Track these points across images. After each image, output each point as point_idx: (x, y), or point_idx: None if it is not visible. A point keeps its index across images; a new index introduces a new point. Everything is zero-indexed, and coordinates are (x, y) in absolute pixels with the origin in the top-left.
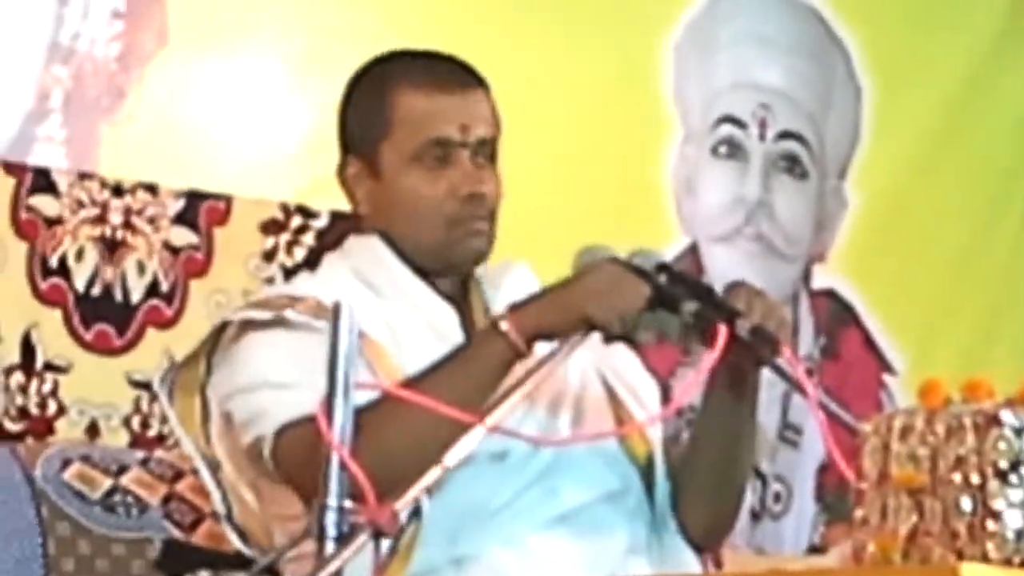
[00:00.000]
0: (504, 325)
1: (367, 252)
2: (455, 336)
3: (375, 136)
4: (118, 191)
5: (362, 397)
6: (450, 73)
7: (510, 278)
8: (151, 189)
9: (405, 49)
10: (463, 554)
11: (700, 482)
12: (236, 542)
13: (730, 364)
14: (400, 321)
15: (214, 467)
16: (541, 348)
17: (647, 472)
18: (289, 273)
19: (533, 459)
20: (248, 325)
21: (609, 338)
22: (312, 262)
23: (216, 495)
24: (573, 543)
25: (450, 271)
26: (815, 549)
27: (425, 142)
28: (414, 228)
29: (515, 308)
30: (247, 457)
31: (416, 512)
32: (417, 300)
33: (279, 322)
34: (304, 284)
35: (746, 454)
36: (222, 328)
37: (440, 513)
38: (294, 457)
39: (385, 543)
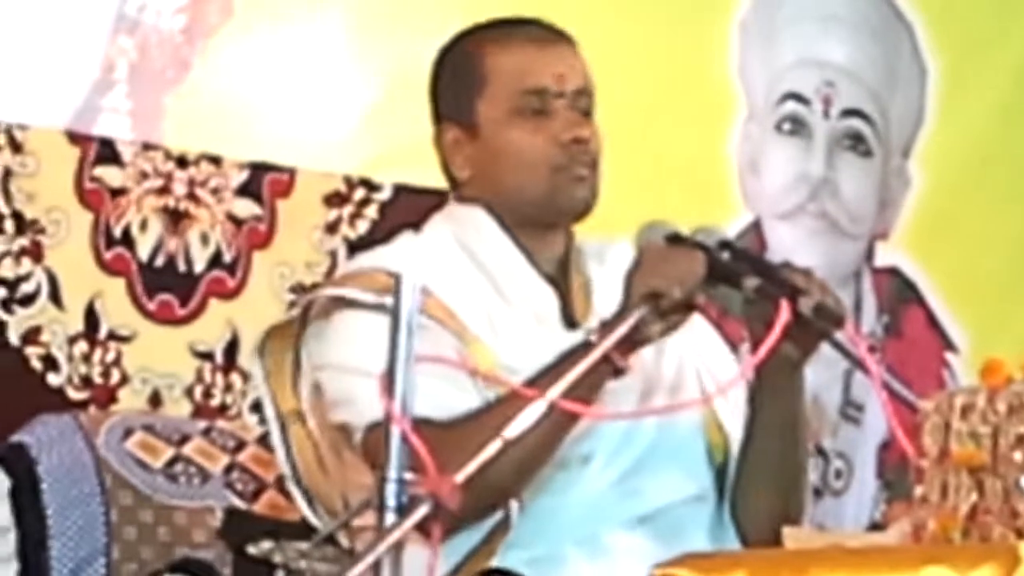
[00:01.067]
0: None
1: (471, 222)
2: (553, 319)
3: (470, 96)
4: (182, 162)
5: (422, 370)
6: (545, 33)
7: (613, 254)
8: (215, 161)
9: (488, 20)
10: (540, 555)
11: (759, 471)
12: (299, 503)
13: (782, 349)
14: (497, 302)
15: (284, 426)
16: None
17: (721, 475)
18: (353, 247)
19: (616, 460)
20: (347, 303)
21: (673, 309)
22: (376, 236)
23: (281, 453)
24: (652, 544)
25: (557, 220)
26: (876, 526)
27: (521, 92)
28: (518, 181)
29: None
30: (334, 428)
31: (506, 520)
32: (517, 279)
33: (379, 307)
34: (408, 245)
35: (802, 444)
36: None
37: (522, 517)
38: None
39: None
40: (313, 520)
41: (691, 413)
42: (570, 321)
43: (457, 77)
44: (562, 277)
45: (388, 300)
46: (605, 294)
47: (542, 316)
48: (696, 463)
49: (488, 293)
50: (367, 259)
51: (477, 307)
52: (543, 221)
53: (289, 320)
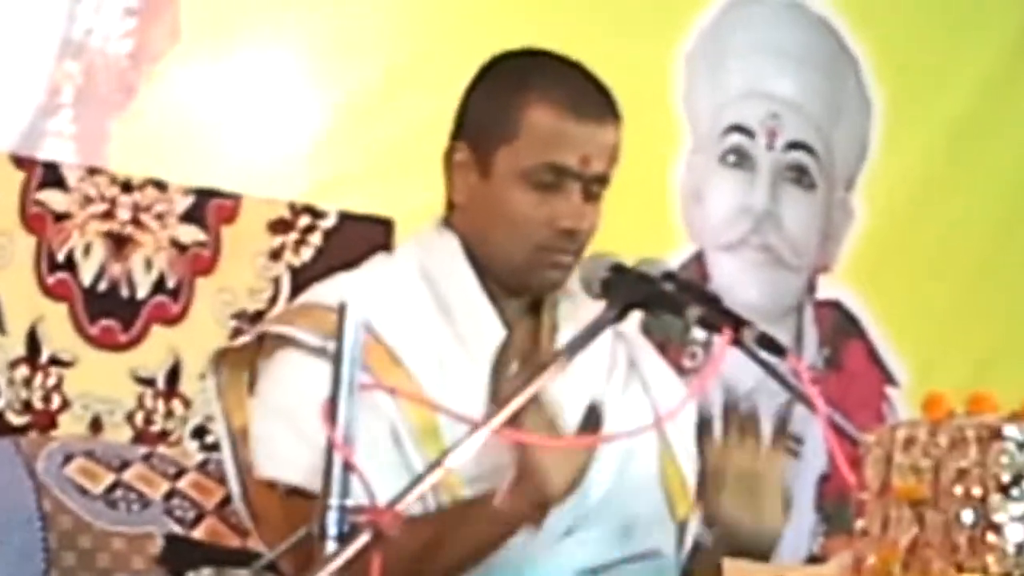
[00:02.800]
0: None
1: (444, 252)
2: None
3: (497, 137)
4: (127, 187)
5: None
6: (590, 98)
7: (584, 302)
8: (160, 186)
9: (550, 51)
10: None
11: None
12: (245, 521)
13: None
14: (451, 344)
15: (235, 444)
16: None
17: (682, 530)
18: (296, 272)
19: (565, 512)
20: (292, 342)
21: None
22: (320, 263)
23: (231, 469)
24: None
25: (522, 292)
26: (814, 559)
27: (543, 163)
28: (502, 240)
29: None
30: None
31: None
32: (478, 323)
33: (322, 352)
34: (367, 277)
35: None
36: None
37: None
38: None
39: None
40: (259, 543)
41: (648, 466)
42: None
43: (493, 111)
44: (527, 332)
45: (331, 345)
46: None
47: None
48: (652, 517)
49: (443, 334)
50: (325, 289)
51: (427, 349)
52: (508, 285)
53: (244, 344)
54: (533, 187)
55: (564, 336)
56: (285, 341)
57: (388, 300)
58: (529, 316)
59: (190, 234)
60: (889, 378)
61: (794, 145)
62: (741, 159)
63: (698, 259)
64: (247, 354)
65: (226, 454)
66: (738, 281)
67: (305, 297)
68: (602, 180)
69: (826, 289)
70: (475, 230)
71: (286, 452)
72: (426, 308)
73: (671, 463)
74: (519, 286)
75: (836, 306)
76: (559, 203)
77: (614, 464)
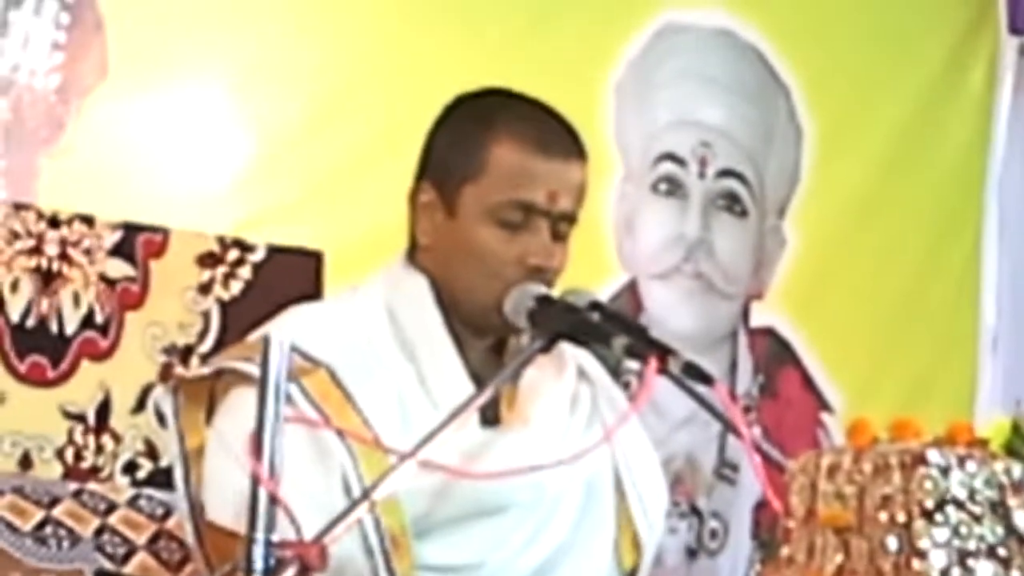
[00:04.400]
0: None
1: (410, 292)
2: (471, 417)
3: (463, 176)
4: (54, 223)
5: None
6: (555, 135)
7: (546, 358)
8: (87, 221)
9: (514, 91)
10: None
11: None
12: (190, 541)
13: None
14: (412, 386)
15: (188, 465)
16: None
17: None
18: (226, 306)
19: (509, 571)
20: (247, 379)
21: None
22: (249, 297)
23: (182, 492)
24: None
25: (488, 332)
26: None
27: (510, 201)
28: (470, 279)
29: None
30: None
31: None
32: (440, 368)
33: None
34: (339, 306)
35: None
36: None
37: None
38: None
39: None
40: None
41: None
42: (491, 420)
43: (458, 151)
44: (491, 374)
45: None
46: (534, 396)
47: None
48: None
49: (405, 374)
50: (284, 322)
51: (386, 389)
52: (475, 325)
53: (202, 376)
54: (500, 225)
55: (527, 378)
56: (241, 377)
57: (350, 337)
58: (494, 358)
59: (119, 269)
60: (824, 404)
61: (725, 173)
62: (673, 188)
63: (631, 288)
64: (205, 386)
65: (178, 475)
66: (672, 310)
67: (263, 331)
68: (570, 219)
69: (760, 316)
70: (442, 270)
71: (237, 496)
72: (389, 347)
73: (624, 512)
74: (485, 326)
75: (770, 333)
76: (527, 241)
77: (573, 511)
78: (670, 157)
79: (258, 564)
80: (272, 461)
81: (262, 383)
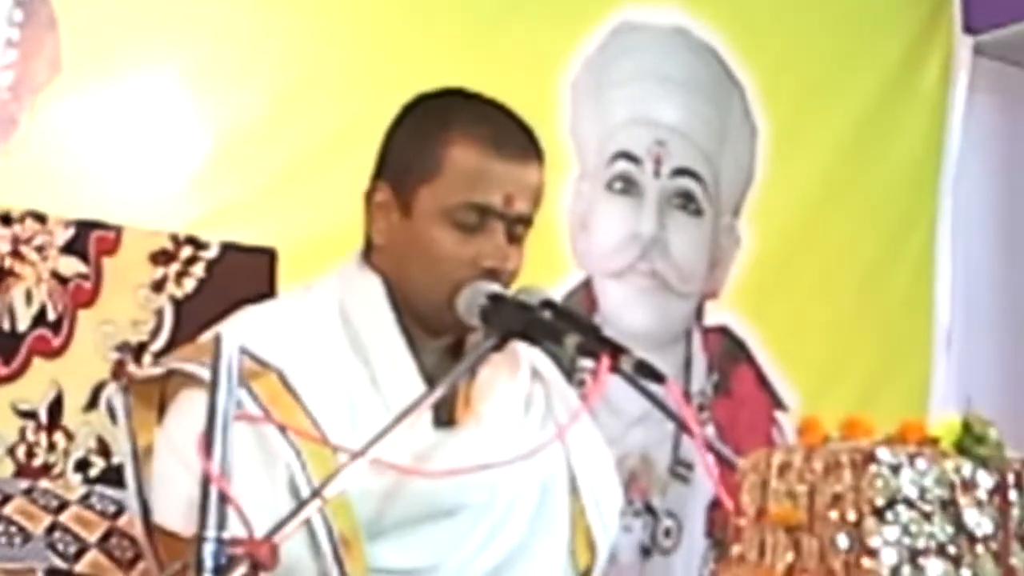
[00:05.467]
0: None
1: (364, 291)
2: (423, 418)
3: (419, 176)
4: (6, 220)
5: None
6: (512, 137)
7: (499, 357)
8: (40, 218)
9: (471, 92)
10: None
11: None
12: (141, 541)
13: None
14: (364, 387)
15: (139, 464)
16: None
17: None
18: (179, 304)
19: (465, 573)
20: (197, 381)
21: None
22: (202, 294)
23: (133, 490)
24: None
25: (442, 333)
26: None
27: (466, 202)
28: (423, 279)
29: None
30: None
31: None
32: (393, 368)
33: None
34: (292, 306)
35: None
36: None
37: None
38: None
39: None
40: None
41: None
42: (444, 420)
43: (414, 150)
44: (445, 375)
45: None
46: (488, 395)
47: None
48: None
49: (357, 376)
50: (236, 323)
51: (337, 390)
52: (429, 326)
53: (153, 376)
54: (456, 227)
55: (482, 378)
56: (191, 379)
57: (301, 337)
58: (449, 359)
59: (71, 266)
60: (778, 402)
61: (680, 171)
62: (628, 186)
63: (586, 287)
64: (156, 386)
65: (129, 473)
66: (626, 308)
67: (214, 331)
68: (526, 221)
69: (714, 315)
70: (396, 270)
71: (183, 499)
72: (341, 348)
73: (579, 512)
74: (439, 327)
75: (724, 331)
76: (482, 243)
77: (527, 512)
78: (625, 155)
79: (208, 562)
80: (223, 460)
81: (213, 384)
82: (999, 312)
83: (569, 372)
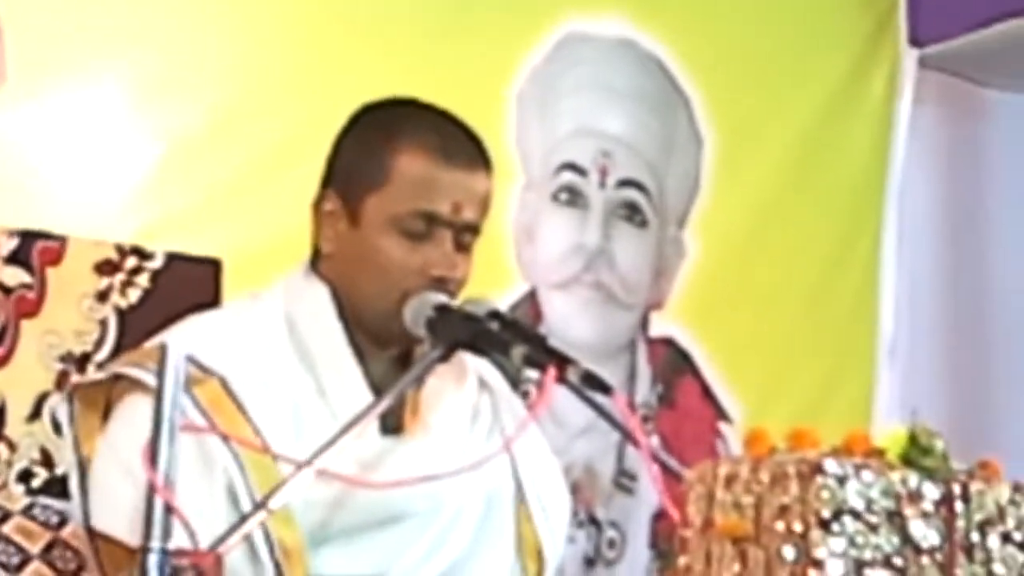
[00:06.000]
0: None
1: (311, 301)
2: (370, 427)
3: (367, 185)
4: None
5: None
6: (460, 145)
7: (445, 368)
8: None
9: (419, 101)
10: None
11: None
12: (86, 550)
13: None
14: (310, 395)
15: (83, 472)
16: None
17: None
18: (124, 314)
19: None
20: (142, 386)
21: None
22: (147, 304)
23: (78, 500)
24: None
25: (390, 343)
26: None
27: (414, 211)
28: (371, 288)
29: None
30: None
31: None
32: (340, 377)
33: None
34: (238, 315)
35: None
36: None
37: None
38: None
39: None
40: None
41: (505, 525)
42: (392, 428)
43: (362, 160)
44: (392, 384)
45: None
46: (436, 405)
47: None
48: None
49: (303, 385)
50: (181, 331)
51: (282, 399)
52: (377, 336)
53: (97, 381)
54: (404, 235)
55: (429, 387)
56: (135, 384)
57: (247, 346)
58: (397, 369)
59: (15, 276)
60: (722, 414)
61: (626, 183)
62: (573, 197)
63: (531, 298)
64: (101, 392)
65: (73, 482)
66: (571, 319)
67: (160, 338)
68: (473, 229)
69: (659, 326)
70: (344, 279)
71: (125, 506)
72: (287, 357)
73: (527, 521)
74: (387, 337)
75: (669, 343)
76: (430, 251)
77: (473, 521)
78: (571, 167)
79: (153, 573)
80: (168, 471)
81: (158, 393)
82: (943, 324)
83: (515, 382)
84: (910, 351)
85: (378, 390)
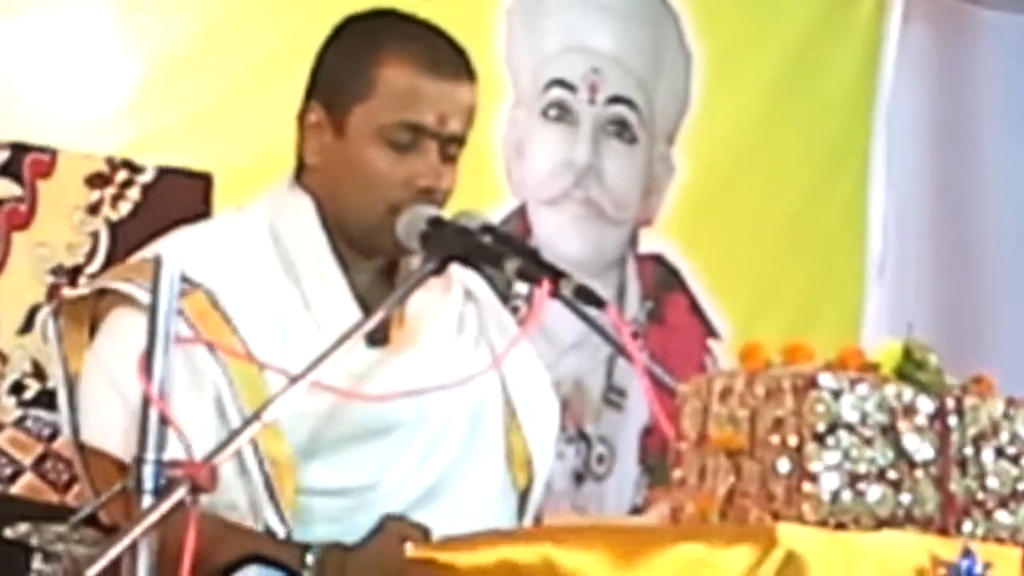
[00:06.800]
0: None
1: (296, 212)
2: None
3: (352, 96)
4: None
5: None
6: (445, 56)
7: (438, 281)
8: None
9: (403, 12)
10: None
11: None
12: (78, 467)
13: None
14: (295, 306)
15: (72, 388)
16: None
17: (523, 500)
18: (114, 227)
19: (402, 492)
20: (127, 299)
21: None
22: (138, 217)
23: (66, 413)
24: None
25: (375, 254)
26: (637, 511)
27: (399, 122)
28: (356, 200)
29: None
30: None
31: None
32: (325, 289)
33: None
34: (223, 228)
35: None
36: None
37: None
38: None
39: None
40: (78, 499)
41: (494, 434)
42: (379, 339)
43: (347, 71)
44: (378, 295)
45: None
46: (422, 316)
47: (332, 334)
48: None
49: (288, 297)
50: (167, 244)
51: (268, 311)
52: (362, 247)
53: (83, 296)
54: (389, 146)
55: (415, 299)
56: (123, 298)
57: (232, 258)
58: (383, 280)
59: (6, 189)
60: (711, 331)
61: (615, 99)
62: (563, 114)
63: (520, 213)
64: (87, 306)
65: (62, 398)
66: (560, 235)
67: (146, 252)
68: (459, 141)
69: (648, 243)
70: (329, 190)
71: (113, 420)
72: (272, 269)
73: (516, 432)
74: (372, 248)
75: (658, 260)
76: (416, 162)
77: (461, 431)
78: (560, 83)
79: (148, 484)
80: (162, 382)
81: (153, 305)
82: (931, 241)
83: (505, 297)
84: (898, 267)
85: (363, 301)
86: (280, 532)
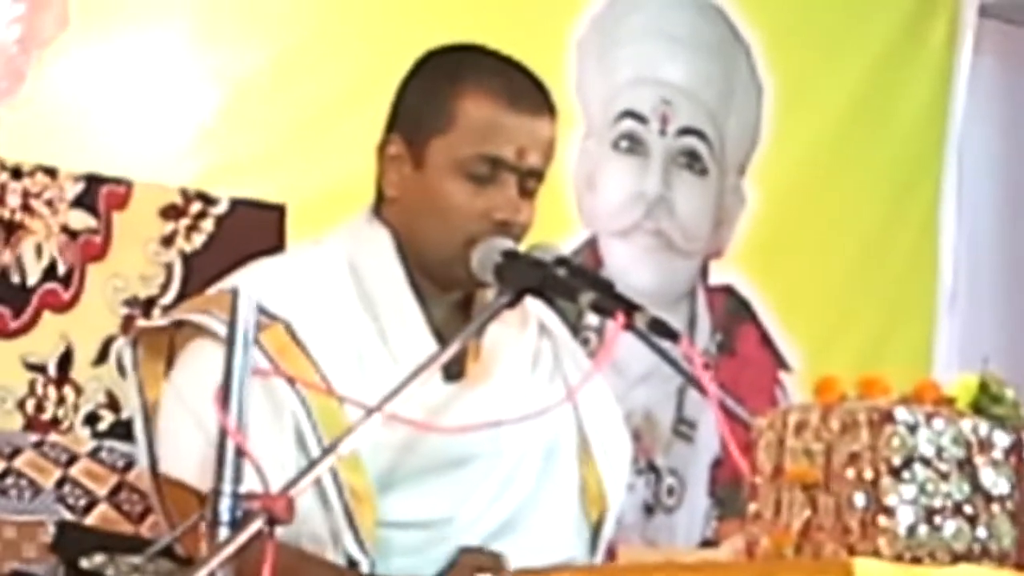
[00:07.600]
0: None
1: (373, 245)
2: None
3: (431, 129)
4: (17, 174)
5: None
6: (525, 90)
7: (512, 314)
8: (50, 172)
9: (484, 47)
10: None
11: None
12: (152, 497)
13: None
14: (373, 341)
15: (148, 417)
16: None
17: (596, 533)
18: (188, 259)
19: (478, 525)
20: (207, 332)
21: None
22: (212, 249)
23: (143, 444)
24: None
25: (453, 288)
26: (707, 543)
27: (478, 155)
28: (434, 232)
29: None
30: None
31: None
32: (402, 323)
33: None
34: (300, 260)
35: None
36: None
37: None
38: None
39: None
40: (153, 530)
41: (569, 467)
42: (454, 374)
43: (427, 103)
44: (454, 329)
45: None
46: (498, 350)
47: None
48: (574, 525)
49: (365, 329)
50: (244, 276)
51: (346, 344)
52: (439, 280)
53: (161, 327)
54: (468, 179)
55: (491, 333)
56: (200, 330)
57: (310, 291)
58: (459, 314)
59: (81, 220)
60: (782, 362)
61: (686, 131)
62: (634, 145)
63: (591, 245)
64: (164, 337)
65: (138, 426)
66: (631, 267)
67: (224, 284)
68: (538, 175)
69: (718, 274)
70: (407, 223)
71: (191, 451)
72: (350, 302)
73: (589, 466)
74: (449, 281)
75: (729, 291)
76: (494, 195)
77: (536, 465)
78: (631, 114)
79: (225, 516)
80: (239, 415)
81: (230, 337)
82: (1003, 273)
83: (575, 329)
84: (969, 300)
85: (440, 335)
86: (362, 562)
